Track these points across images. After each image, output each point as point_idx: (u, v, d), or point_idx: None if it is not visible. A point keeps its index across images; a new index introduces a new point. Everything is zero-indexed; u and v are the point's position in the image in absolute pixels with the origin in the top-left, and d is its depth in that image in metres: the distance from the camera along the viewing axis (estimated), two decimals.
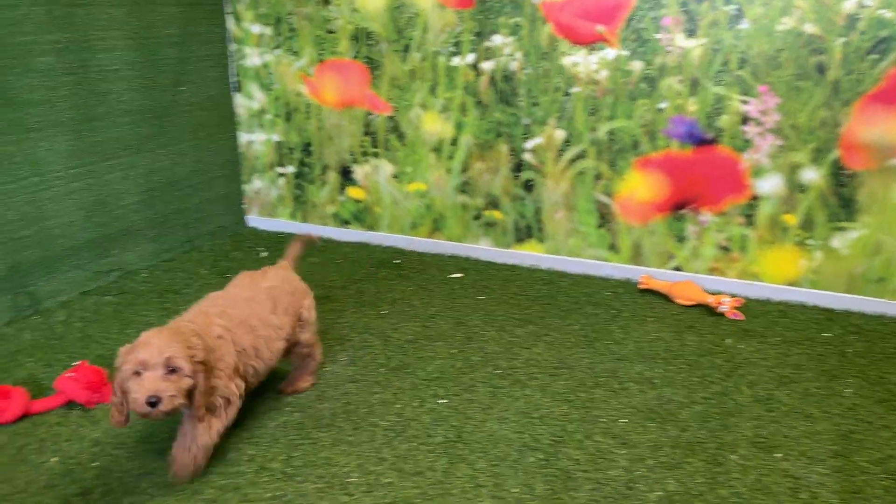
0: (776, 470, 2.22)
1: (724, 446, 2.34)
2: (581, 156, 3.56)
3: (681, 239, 3.48)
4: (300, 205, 4.28)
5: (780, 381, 2.72)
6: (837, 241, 3.21)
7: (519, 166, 3.71)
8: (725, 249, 3.41)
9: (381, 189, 4.05)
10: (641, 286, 3.49)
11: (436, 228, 3.98)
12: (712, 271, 3.47)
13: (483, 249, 3.89)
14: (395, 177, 3.99)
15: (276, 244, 4.09)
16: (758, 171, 3.26)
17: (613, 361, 2.88)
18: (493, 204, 3.82)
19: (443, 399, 2.62)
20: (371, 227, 4.13)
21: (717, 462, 2.27)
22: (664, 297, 3.44)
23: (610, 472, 2.23)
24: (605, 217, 3.60)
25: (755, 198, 3.29)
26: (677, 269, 3.53)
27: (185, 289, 3.50)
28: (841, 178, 3.13)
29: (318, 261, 3.87)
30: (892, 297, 3.19)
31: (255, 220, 4.43)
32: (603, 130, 3.49)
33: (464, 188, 3.85)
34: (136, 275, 3.67)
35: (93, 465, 2.26)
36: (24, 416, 2.49)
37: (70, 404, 2.54)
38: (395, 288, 3.55)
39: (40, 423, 2.46)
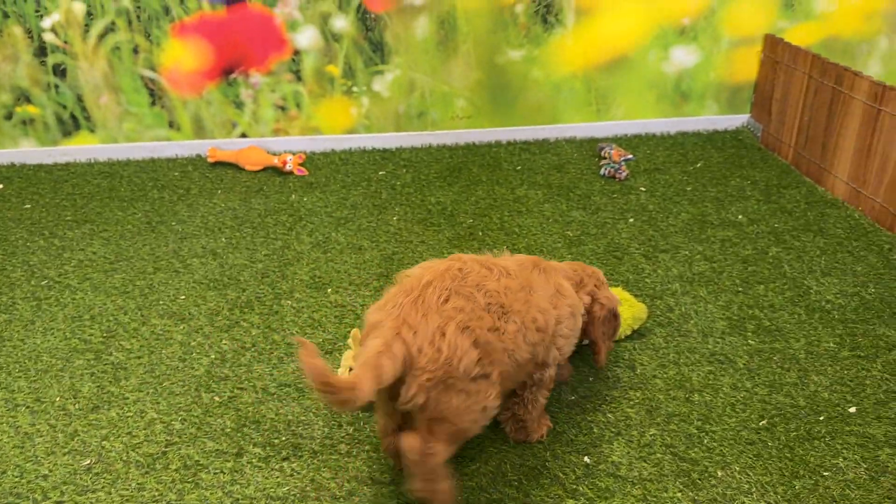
0: (326, 304, 2.39)
1: (281, 295, 2.44)
2: (111, 29, 3.22)
3: (239, 105, 3.41)
4: None
5: (337, 224, 2.89)
6: (378, 85, 3.42)
7: (43, 49, 3.23)
8: (283, 109, 3.44)
9: None
10: (210, 159, 3.38)
11: None
12: (277, 132, 3.49)
13: (25, 152, 3.40)
14: None
15: None
16: (293, 26, 3.26)
17: (177, 242, 2.78)
18: (24, 98, 3.32)
19: None
20: None
21: (273, 311, 2.35)
22: (235, 167, 3.39)
23: (165, 350, 2.18)
24: (155, 94, 3.36)
25: (297, 52, 3.32)
26: (244, 135, 3.48)
27: None
28: (368, 23, 3.29)
29: None
30: (432, 128, 3.53)
31: None
32: None
33: None
34: None
35: None
36: None
37: None
38: None
39: None
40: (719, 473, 1.72)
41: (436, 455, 1.52)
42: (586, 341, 1.96)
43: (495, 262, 1.66)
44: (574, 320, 1.77)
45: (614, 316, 1.91)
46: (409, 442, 1.53)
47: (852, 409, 1.91)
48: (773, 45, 3.40)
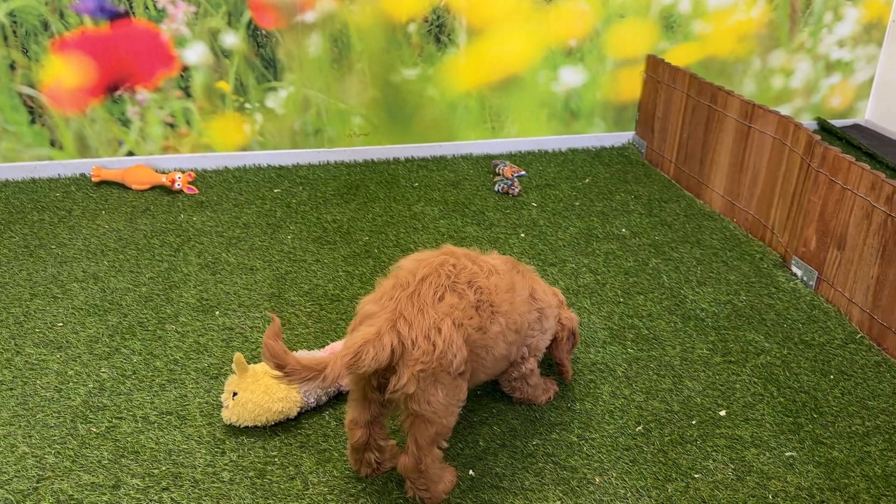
0: (213, 327, 2.33)
1: (165, 319, 2.36)
2: None
3: (125, 122, 3.30)
4: None
5: (228, 244, 2.83)
6: (272, 102, 3.38)
7: None
8: (172, 126, 3.35)
9: None
10: (95, 178, 3.25)
11: None
12: (166, 150, 3.39)
13: None
14: None
15: None
16: (181, 41, 3.19)
17: (57, 266, 2.66)
18: None
19: None
20: None
21: (157, 337, 2.28)
22: (121, 186, 3.27)
23: (39, 381, 2.08)
24: (35, 112, 3.21)
25: (186, 69, 3.25)
26: (131, 153, 3.37)
27: None
28: (259, 40, 3.26)
29: None
30: (329, 145, 3.52)
31: None
32: (2, 12, 3.02)
33: None
34: None
35: None
36: None
37: None
38: None
39: None
40: (597, 480, 1.78)
41: (427, 467, 1.64)
42: None
43: (484, 259, 1.75)
44: (547, 321, 1.92)
45: (573, 335, 2.04)
46: (403, 463, 1.65)
47: (722, 413, 2.02)
48: (655, 66, 3.57)
